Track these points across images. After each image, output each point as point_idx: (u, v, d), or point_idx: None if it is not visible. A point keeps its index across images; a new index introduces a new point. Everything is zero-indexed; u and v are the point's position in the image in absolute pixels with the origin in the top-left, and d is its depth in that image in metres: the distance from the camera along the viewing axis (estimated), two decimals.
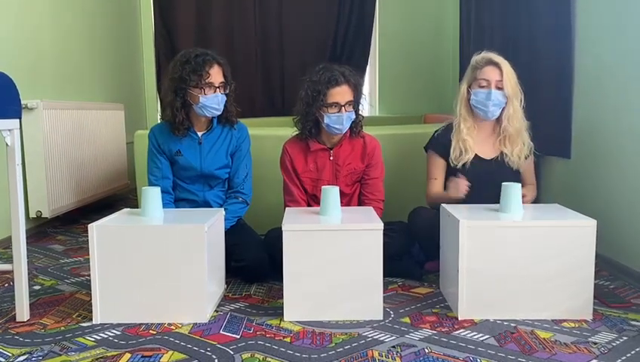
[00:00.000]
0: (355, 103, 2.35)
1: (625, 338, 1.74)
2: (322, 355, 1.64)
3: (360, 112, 2.41)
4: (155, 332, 1.81)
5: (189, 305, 1.89)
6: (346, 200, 2.41)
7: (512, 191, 2.00)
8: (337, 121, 2.29)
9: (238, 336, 1.78)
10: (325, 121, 2.30)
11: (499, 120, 2.34)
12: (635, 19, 2.24)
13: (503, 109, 2.31)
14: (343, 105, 2.28)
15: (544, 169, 2.95)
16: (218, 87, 2.30)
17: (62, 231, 3.34)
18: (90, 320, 1.90)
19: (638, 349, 1.66)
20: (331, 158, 2.39)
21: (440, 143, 2.42)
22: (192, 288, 1.89)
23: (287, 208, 2.27)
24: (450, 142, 2.37)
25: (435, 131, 2.48)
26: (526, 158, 2.37)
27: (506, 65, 2.28)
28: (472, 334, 1.78)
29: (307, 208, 2.29)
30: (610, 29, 2.42)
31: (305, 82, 2.35)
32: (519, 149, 2.34)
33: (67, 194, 3.36)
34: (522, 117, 2.33)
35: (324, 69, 2.32)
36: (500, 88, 2.27)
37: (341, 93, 2.28)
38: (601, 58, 2.50)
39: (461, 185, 2.24)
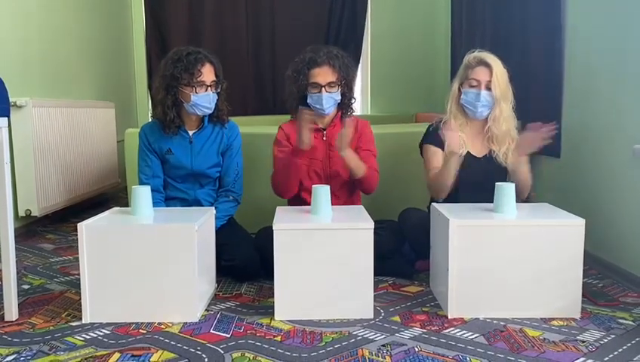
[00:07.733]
0: (343, 85, 2.35)
1: (613, 336, 1.75)
2: (312, 354, 1.64)
3: (353, 96, 2.41)
4: (145, 332, 1.81)
5: (179, 304, 1.89)
6: (339, 183, 2.39)
7: (507, 191, 2.00)
8: (317, 101, 2.31)
9: (229, 335, 1.78)
10: (308, 101, 2.33)
11: (488, 119, 2.35)
12: (625, 19, 2.26)
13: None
14: (323, 86, 2.30)
15: (534, 168, 2.95)
16: (209, 86, 2.30)
17: (51, 229, 3.32)
18: (80, 319, 1.90)
19: (625, 347, 1.68)
20: (324, 139, 2.40)
21: (437, 135, 2.36)
22: (183, 287, 1.88)
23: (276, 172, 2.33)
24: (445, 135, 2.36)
25: (429, 126, 2.45)
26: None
27: (497, 66, 2.26)
28: (461, 332, 1.79)
29: (298, 207, 2.29)
30: (600, 30, 2.44)
31: (292, 62, 2.38)
32: (506, 148, 2.34)
33: (57, 192, 3.33)
34: (511, 118, 2.32)
35: (310, 50, 2.36)
36: (489, 89, 2.27)
37: (321, 74, 2.30)
38: (591, 58, 2.51)
39: (453, 137, 2.12)
